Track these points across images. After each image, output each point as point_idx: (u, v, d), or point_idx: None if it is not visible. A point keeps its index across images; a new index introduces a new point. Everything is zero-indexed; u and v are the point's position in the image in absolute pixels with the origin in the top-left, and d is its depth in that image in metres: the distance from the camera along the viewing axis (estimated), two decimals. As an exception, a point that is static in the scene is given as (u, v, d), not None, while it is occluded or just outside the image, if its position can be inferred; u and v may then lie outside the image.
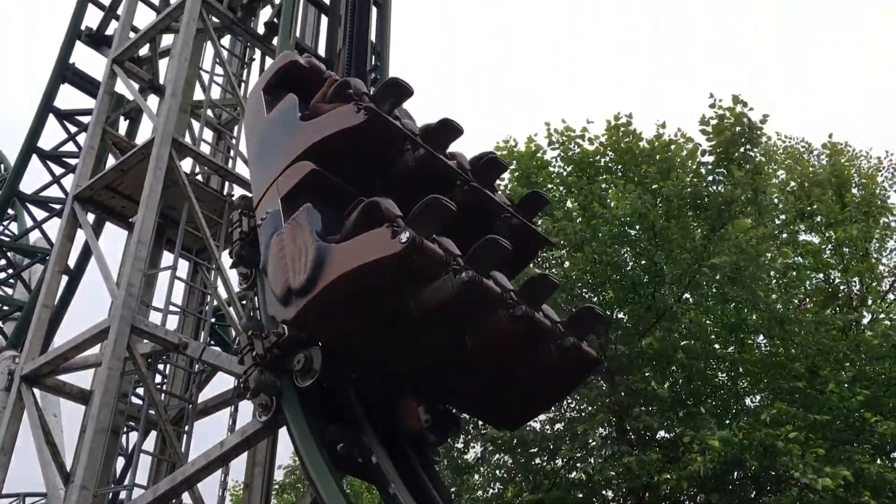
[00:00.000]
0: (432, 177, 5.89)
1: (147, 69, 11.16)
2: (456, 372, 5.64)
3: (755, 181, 14.31)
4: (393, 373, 5.79)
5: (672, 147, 15.24)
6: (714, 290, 14.20)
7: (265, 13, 11.91)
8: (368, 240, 4.98)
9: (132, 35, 10.99)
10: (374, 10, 9.13)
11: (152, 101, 11.07)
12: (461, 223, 5.24)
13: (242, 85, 12.18)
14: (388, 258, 4.82)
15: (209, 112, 11.41)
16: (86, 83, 11.52)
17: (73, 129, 11.68)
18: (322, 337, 5.56)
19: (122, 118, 11.46)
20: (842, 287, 16.75)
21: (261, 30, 11.45)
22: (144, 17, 11.70)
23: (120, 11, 11.49)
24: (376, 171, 5.89)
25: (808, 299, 16.36)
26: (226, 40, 12.41)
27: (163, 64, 11.44)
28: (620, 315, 14.85)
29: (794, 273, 15.29)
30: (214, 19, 10.66)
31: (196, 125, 10.93)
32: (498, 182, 6.84)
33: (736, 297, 13.78)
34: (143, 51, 11.34)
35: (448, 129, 6.13)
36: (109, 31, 11.71)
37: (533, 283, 5.62)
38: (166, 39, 11.71)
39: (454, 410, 6.16)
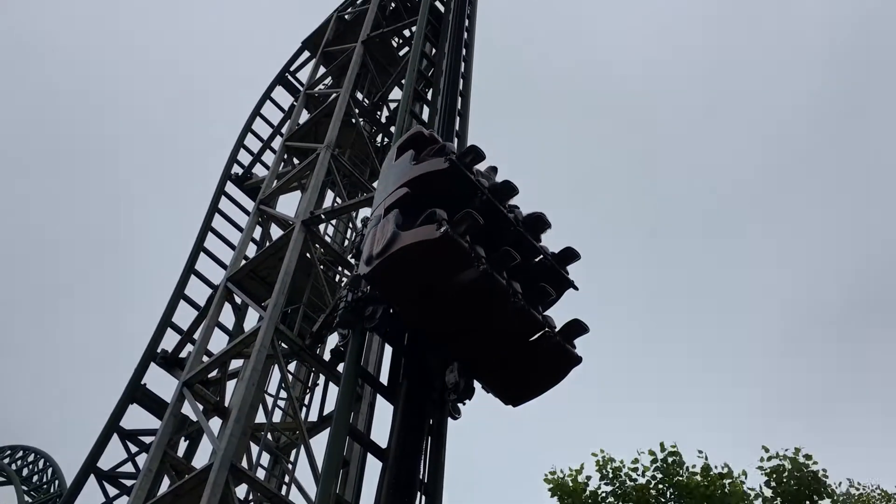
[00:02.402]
0: (491, 218, 8.04)
1: (213, 391, 11.42)
2: (476, 346, 7.95)
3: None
4: (432, 333, 8.10)
5: (727, 485, 14.64)
6: None
7: (332, 339, 12.38)
8: (423, 229, 7.51)
9: (205, 359, 11.41)
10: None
11: (214, 422, 11.20)
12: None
13: (303, 409, 12.33)
14: (429, 240, 7.34)
15: (268, 436, 11.43)
16: (153, 403, 11.74)
17: (133, 448, 11.70)
18: (385, 291, 8.06)
19: (182, 439, 11.49)
20: None
21: (326, 356, 11.80)
22: (217, 342, 12.25)
23: (196, 336, 12.04)
24: (454, 203, 7.81)
25: None
26: (292, 364, 12.83)
27: (229, 385, 11.74)
28: None
29: None
30: (283, 345, 11.09)
31: (255, 448, 10.91)
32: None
33: None
34: (211, 373, 11.70)
35: (508, 188, 8.50)
36: (183, 354, 12.18)
37: (537, 289, 7.95)
38: (234, 362, 12.13)
39: (473, 384, 8.34)
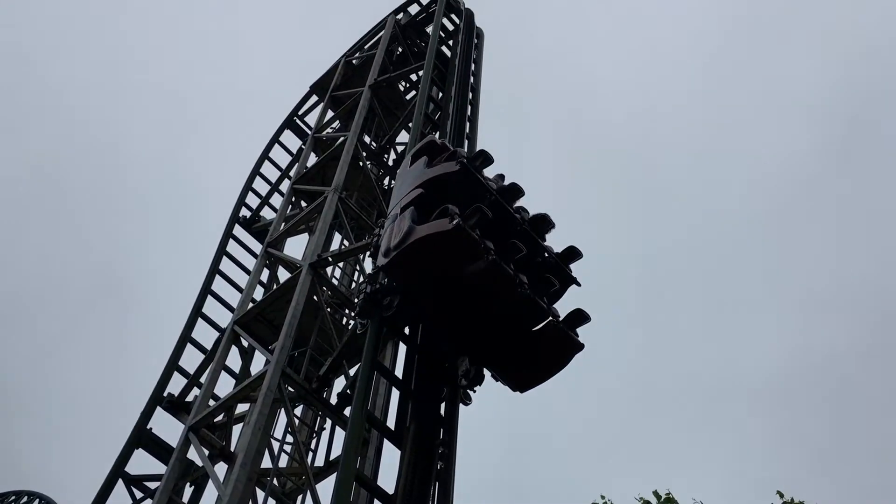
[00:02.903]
0: (499, 217, 8.58)
1: (219, 435, 11.31)
2: (485, 335, 8.51)
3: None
4: (444, 324, 8.68)
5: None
6: None
7: (339, 383, 12.29)
8: (436, 223, 8.02)
9: (211, 403, 11.32)
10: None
11: (219, 467, 11.07)
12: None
13: (310, 454, 12.18)
14: (442, 232, 7.87)
15: (274, 481, 11.27)
16: (158, 448, 11.63)
17: (138, 493, 11.55)
18: (400, 281, 8.61)
19: (187, 485, 11.35)
20: None
21: (333, 400, 11.70)
22: (223, 386, 12.15)
23: (202, 380, 11.97)
24: (465, 203, 8.26)
25: None
26: (298, 408, 12.70)
27: (235, 429, 11.62)
28: None
29: None
30: (290, 389, 11.00)
31: (260, 494, 10.77)
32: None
33: None
34: (217, 417, 11.59)
35: (514, 189, 9.05)
36: (189, 398, 12.07)
37: (543, 279, 8.46)
38: (240, 406, 12.02)
39: (482, 372, 9.00)
